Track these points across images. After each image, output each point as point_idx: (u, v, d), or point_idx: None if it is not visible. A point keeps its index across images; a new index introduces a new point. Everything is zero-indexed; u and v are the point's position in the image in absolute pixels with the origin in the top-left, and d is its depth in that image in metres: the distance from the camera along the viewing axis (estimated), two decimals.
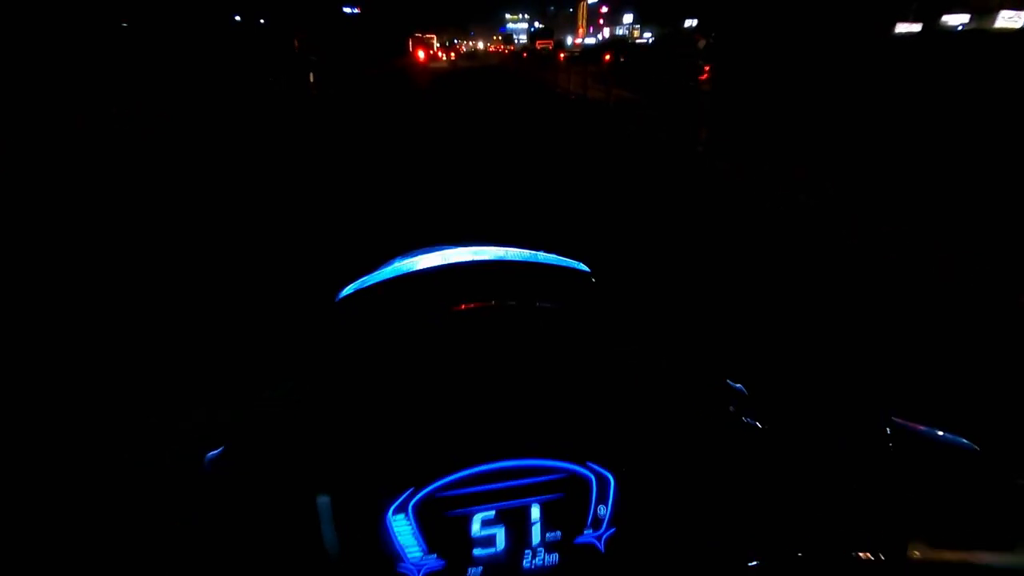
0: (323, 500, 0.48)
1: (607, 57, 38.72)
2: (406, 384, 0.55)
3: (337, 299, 0.62)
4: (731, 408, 0.58)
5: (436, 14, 59.85)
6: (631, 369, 0.58)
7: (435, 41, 53.27)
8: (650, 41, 45.78)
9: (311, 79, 18.92)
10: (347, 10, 37.13)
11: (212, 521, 0.50)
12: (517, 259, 0.64)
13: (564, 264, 0.65)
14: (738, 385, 0.62)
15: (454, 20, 72.94)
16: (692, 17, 41.74)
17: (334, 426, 0.53)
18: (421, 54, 37.70)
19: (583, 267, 0.66)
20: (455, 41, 69.00)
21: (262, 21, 28.25)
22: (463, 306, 0.58)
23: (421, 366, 0.55)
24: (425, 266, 0.61)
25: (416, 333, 0.57)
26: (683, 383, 0.60)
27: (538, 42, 54.65)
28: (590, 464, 0.51)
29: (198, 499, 0.52)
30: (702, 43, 22.55)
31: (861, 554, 0.52)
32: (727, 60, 19.76)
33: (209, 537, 0.50)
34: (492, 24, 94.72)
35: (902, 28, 25.17)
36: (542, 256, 0.65)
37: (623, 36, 42.94)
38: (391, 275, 0.61)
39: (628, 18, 53.71)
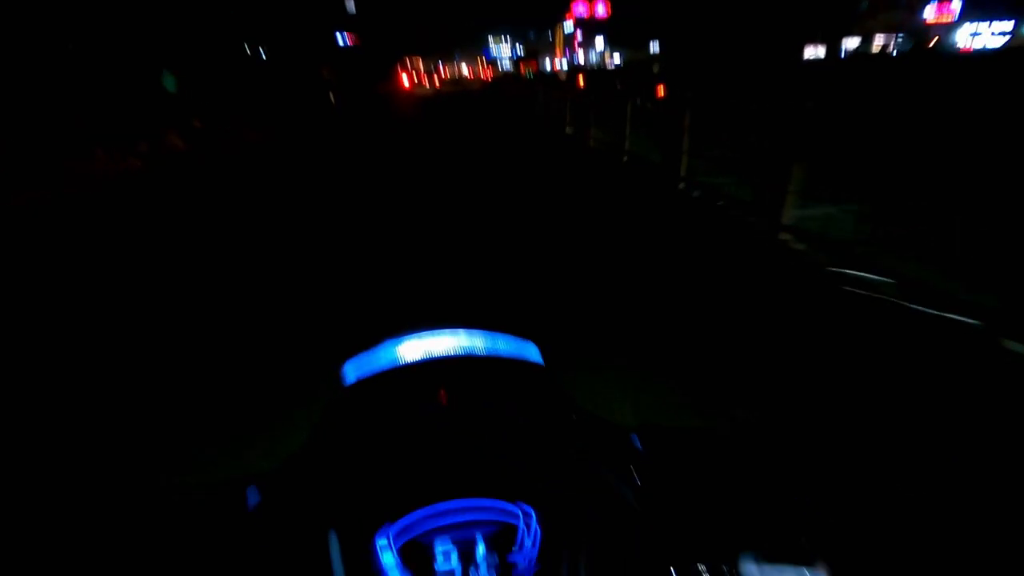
0: (332, 534, 0.66)
1: (580, 82, 41.72)
2: (390, 449, 0.75)
3: (346, 384, 0.84)
4: (628, 463, 0.74)
5: (421, 39, 62.81)
6: (552, 434, 0.77)
7: (420, 65, 56.16)
8: (618, 65, 49.30)
9: (331, 98, 26.43)
10: (342, 42, 39.90)
11: (255, 550, 0.65)
12: (480, 354, 0.84)
13: (518, 357, 0.86)
14: (634, 436, 0.78)
15: (438, 44, 76.40)
16: (654, 39, 45.34)
17: (341, 479, 0.72)
18: (406, 79, 40.49)
19: (535, 355, 0.88)
20: (439, 64, 72.05)
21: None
22: (440, 398, 0.80)
23: (400, 437, 0.76)
24: (410, 359, 0.84)
25: (398, 417, 0.79)
26: (592, 440, 0.78)
27: (521, 64, 58.72)
28: (519, 503, 0.68)
29: (243, 533, 0.67)
30: (655, 67, 25.55)
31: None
32: (675, 83, 22.17)
33: (253, 562, 0.64)
34: (475, 48, 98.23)
35: (810, 51, 29.24)
36: (501, 345, 0.86)
37: (597, 62, 45.95)
38: (387, 366, 0.83)
39: (600, 43, 57.61)
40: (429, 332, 0.87)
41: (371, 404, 0.81)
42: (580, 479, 0.71)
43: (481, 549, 0.67)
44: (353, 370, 0.86)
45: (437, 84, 51.94)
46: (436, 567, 0.67)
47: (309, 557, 0.63)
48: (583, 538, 0.66)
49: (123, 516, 0.70)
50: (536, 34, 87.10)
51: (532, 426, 0.77)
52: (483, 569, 0.66)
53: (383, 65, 41.97)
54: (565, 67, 55.21)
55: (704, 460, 0.76)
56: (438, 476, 0.71)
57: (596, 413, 0.84)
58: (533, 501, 0.68)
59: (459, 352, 0.84)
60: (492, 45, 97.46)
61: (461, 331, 0.86)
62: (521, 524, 0.67)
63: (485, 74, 71.41)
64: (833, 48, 29.32)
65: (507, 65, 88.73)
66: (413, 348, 0.85)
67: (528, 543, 0.66)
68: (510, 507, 0.69)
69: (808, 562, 0.60)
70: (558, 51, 72.11)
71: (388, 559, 0.64)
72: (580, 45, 63.36)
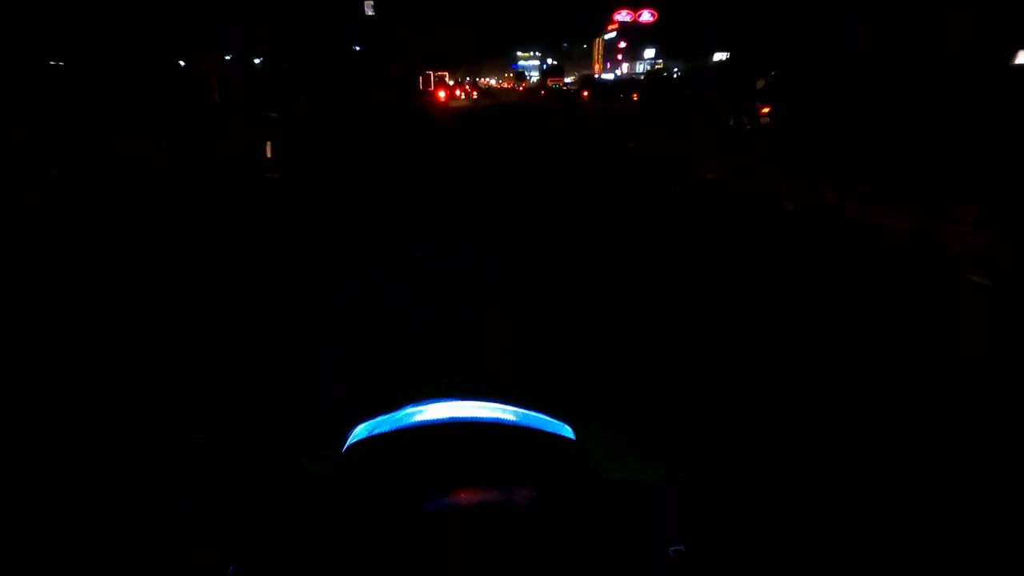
0: None
1: (635, 96, 36.35)
2: (398, 552, 0.63)
3: (349, 442, 0.72)
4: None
5: (447, 51, 58.75)
6: (586, 547, 0.65)
7: (448, 79, 51.69)
8: (675, 75, 44.04)
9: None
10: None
11: None
12: (510, 422, 0.72)
13: (552, 432, 0.73)
14: (679, 548, 0.68)
15: (466, 57, 72.05)
16: (722, 51, 39.81)
17: (335, 559, 0.63)
18: (442, 93, 35.69)
19: (569, 432, 0.74)
20: (466, 79, 67.79)
21: None
22: (453, 497, 0.66)
23: (413, 539, 0.64)
24: (428, 419, 0.71)
25: (414, 512, 0.65)
26: (626, 551, 0.68)
27: (549, 80, 56.06)
28: None
29: None
30: (760, 83, 20.27)
31: None
32: (791, 101, 17.58)
33: None
34: (503, 61, 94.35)
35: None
36: (533, 418, 0.73)
37: (657, 70, 41.04)
38: (400, 426, 0.71)
39: (650, 52, 52.17)
40: (456, 400, 0.75)
41: (378, 478, 0.69)
42: None
43: None
44: (364, 431, 0.73)
45: (475, 95, 47.72)
46: None
47: None
48: None
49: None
50: (570, 45, 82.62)
51: (563, 539, 0.66)
52: None
53: (413, 79, 37.59)
54: (610, 79, 49.97)
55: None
56: None
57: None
58: None
59: (486, 419, 0.72)
60: (520, 58, 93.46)
61: (495, 404, 0.76)
62: None
63: (520, 87, 67.08)
64: None
65: (536, 78, 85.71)
66: (435, 411, 0.73)
67: None
68: None
69: None
70: (597, 63, 67.17)
71: None
72: (624, 57, 58.17)
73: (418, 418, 0.70)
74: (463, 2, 73.94)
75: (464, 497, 0.65)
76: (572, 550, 0.64)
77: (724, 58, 39.41)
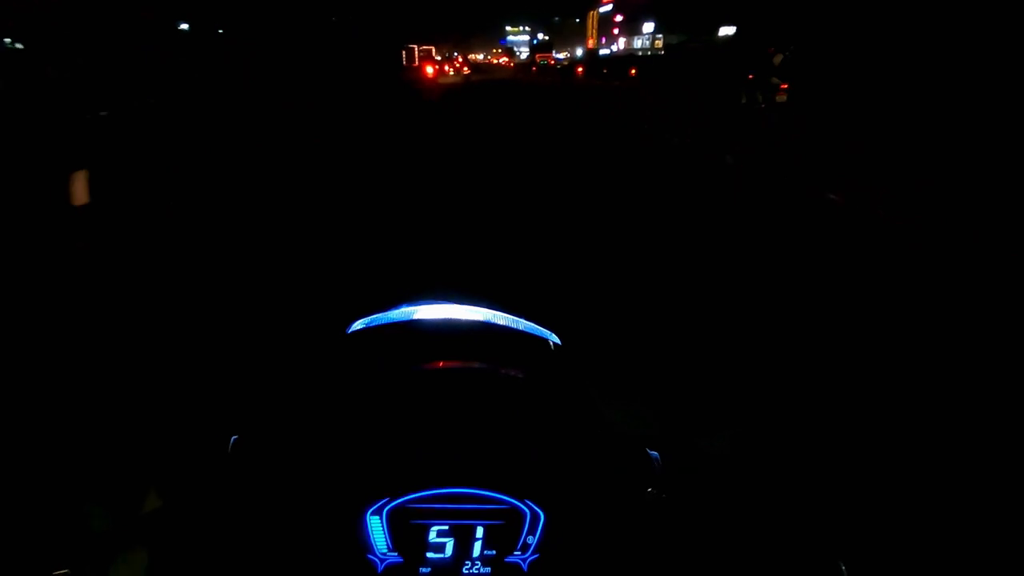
0: (321, 501, 0.63)
1: (632, 71, 33.88)
2: (395, 414, 0.68)
3: (349, 331, 0.76)
4: (646, 479, 0.70)
5: (433, 26, 55.44)
6: (570, 431, 0.71)
7: (434, 53, 48.59)
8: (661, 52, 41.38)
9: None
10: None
11: (232, 497, 0.63)
12: (500, 323, 0.78)
13: (537, 333, 0.80)
14: (654, 453, 0.72)
15: (452, 31, 68.52)
16: (729, 24, 37.19)
17: (334, 436, 0.66)
18: (430, 69, 32.80)
19: (554, 338, 0.81)
20: (455, 54, 64.49)
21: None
22: (445, 363, 0.73)
23: (409, 402, 0.70)
24: (425, 317, 0.77)
25: (408, 377, 0.72)
26: (610, 448, 0.72)
27: (538, 55, 54.80)
28: (527, 501, 0.65)
29: (222, 476, 0.65)
30: (778, 58, 18.20)
31: None
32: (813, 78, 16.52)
33: (229, 510, 0.63)
34: (491, 36, 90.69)
35: None
36: (522, 324, 0.79)
37: (683, 42, 38.58)
38: (398, 319, 0.75)
39: (649, 27, 49.26)
40: (449, 301, 0.80)
41: (376, 354, 0.75)
42: (594, 485, 0.68)
43: (479, 543, 0.66)
44: (361, 324, 0.79)
45: (466, 71, 44.97)
46: (428, 555, 0.66)
47: (293, 522, 0.63)
48: (589, 548, 0.66)
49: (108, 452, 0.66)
50: (561, 19, 79.24)
51: (549, 417, 0.72)
52: (478, 564, 0.67)
53: (396, 55, 34.58)
54: (607, 53, 47.20)
55: (727, 488, 0.74)
56: (445, 457, 0.67)
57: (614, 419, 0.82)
58: (542, 502, 0.66)
59: (479, 320, 0.78)
60: (510, 34, 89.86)
61: (483, 306, 0.81)
62: (526, 524, 0.66)
63: (510, 63, 64.11)
64: None
65: (525, 54, 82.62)
66: (430, 311, 0.79)
67: (531, 545, 0.66)
68: (517, 504, 0.66)
69: None
70: (591, 38, 64.20)
71: (379, 537, 0.64)
72: (620, 31, 55.29)
73: (413, 316, 0.75)
74: None
75: (452, 365, 0.71)
76: (551, 426, 0.68)
77: (731, 32, 36.80)
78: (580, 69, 38.86)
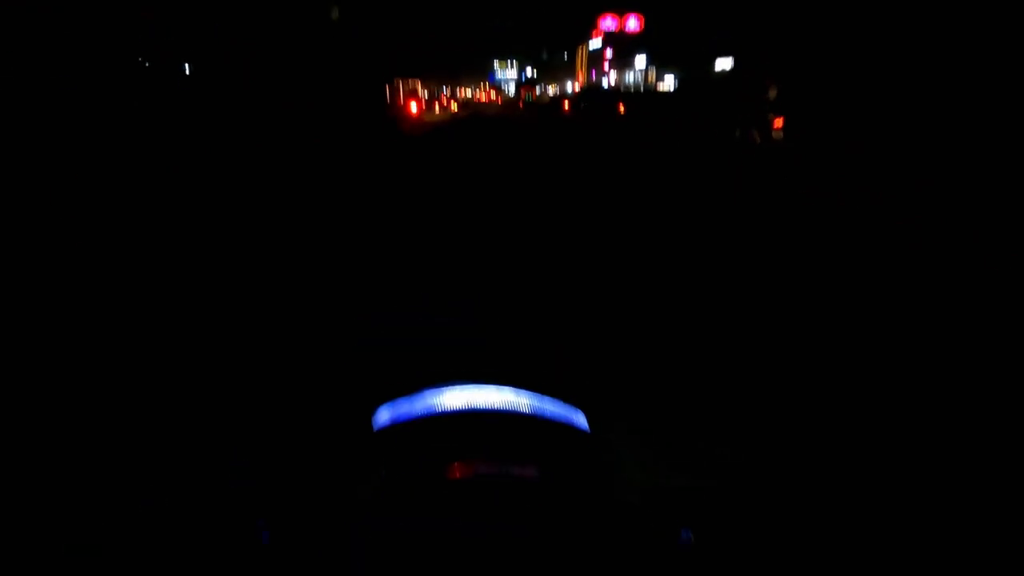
0: None
1: (621, 108, 32.36)
2: (420, 516, 0.67)
3: (376, 428, 0.77)
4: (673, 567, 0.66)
5: (421, 62, 54.29)
6: (588, 534, 0.66)
7: (420, 88, 47.07)
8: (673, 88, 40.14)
9: None
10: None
11: None
12: (525, 412, 0.76)
13: (562, 419, 0.78)
14: (687, 533, 0.67)
15: (441, 68, 67.53)
16: (725, 56, 35.89)
17: (366, 542, 0.64)
18: (414, 106, 30.93)
19: (582, 420, 0.79)
20: (444, 89, 63.36)
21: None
22: (462, 472, 0.72)
23: (431, 506, 0.68)
24: (449, 407, 0.76)
25: (435, 485, 0.71)
26: (631, 544, 0.66)
27: (523, 89, 58.19)
28: None
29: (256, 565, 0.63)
30: (773, 92, 16.94)
31: None
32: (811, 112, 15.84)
33: None
34: (480, 72, 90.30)
35: None
36: (548, 407, 0.77)
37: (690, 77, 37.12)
38: (424, 412, 0.76)
39: (641, 61, 48.14)
40: (473, 385, 0.79)
41: (402, 452, 0.77)
42: None
43: None
44: (387, 414, 0.79)
45: (453, 109, 43.53)
46: None
47: None
48: None
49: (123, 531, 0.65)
50: (549, 55, 78.76)
51: (564, 522, 0.68)
52: None
53: (380, 90, 32.79)
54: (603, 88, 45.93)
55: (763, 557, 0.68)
56: (471, 560, 0.63)
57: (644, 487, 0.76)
58: None
59: (503, 407, 0.76)
60: (497, 69, 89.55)
61: (508, 389, 0.79)
62: None
63: (498, 99, 63.24)
64: None
65: (512, 90, 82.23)
66: (454, 398, 0.78)
67: None
68: None
69: None
70: (580, 73, 63.41)
71: None
72: (611, 65, 54.31)
73: (437, 404, 0.75)
74: (439, 8, 70.08)
75: (467, 468, 0.70)
76: (570, 524, 0.66)
77: (728, 66, 35.48)
78: (566, 104, 37.84)
